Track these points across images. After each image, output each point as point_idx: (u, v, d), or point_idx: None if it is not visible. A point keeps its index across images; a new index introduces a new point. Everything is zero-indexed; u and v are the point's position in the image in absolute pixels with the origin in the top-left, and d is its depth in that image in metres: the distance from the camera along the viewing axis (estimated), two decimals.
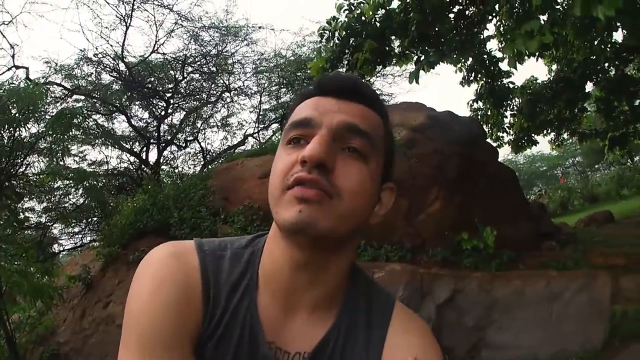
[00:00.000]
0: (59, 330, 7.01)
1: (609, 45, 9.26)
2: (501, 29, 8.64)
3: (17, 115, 6.53)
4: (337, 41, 6.35)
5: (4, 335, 6.06)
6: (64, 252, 12.18)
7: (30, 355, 6.89)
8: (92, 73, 11.82)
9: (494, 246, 5.72)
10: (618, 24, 6.47)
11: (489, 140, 10.03)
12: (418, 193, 6.11)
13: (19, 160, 7.28)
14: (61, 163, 8.52)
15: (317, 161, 0.70)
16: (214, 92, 13.64)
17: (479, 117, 10.71)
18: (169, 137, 13.44)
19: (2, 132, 6.56)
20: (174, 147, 14.11)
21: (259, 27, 12.49)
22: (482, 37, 7.96)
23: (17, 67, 10.43)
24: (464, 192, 6.25)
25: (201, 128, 14.23)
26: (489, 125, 10.98)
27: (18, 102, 6.44)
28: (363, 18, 6.21)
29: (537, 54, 7.33)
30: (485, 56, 9.01)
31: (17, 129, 6.67)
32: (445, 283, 5.17)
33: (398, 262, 5.57)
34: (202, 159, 14.32)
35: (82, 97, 11.61)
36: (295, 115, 0.79)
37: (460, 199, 6.20)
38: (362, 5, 6.22)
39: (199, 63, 12.74)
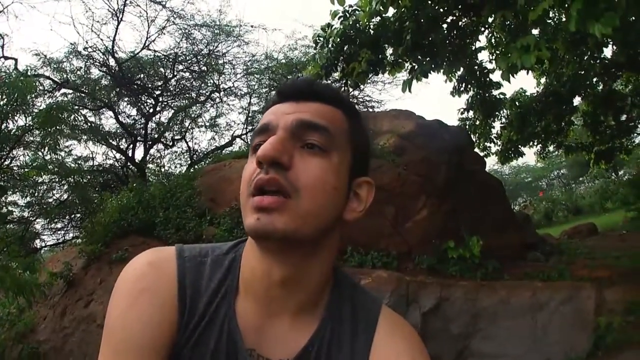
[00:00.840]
0: (39, 328, 6.90)
1: (599, 61, 9.40)
2: (493, 41, 8.72)
3: (4, 106, 6.44)
4: (331, 48, 6.35)
5: None
6: (45, 248, 12.04)
7: (9, 353, 6.77)
8: (81, 67, 11.68)
9: (479, 255, 5.75)
10: (609, 40, 6.57)
11: (476, 150, 10.11)
12: (406, 200, 6.13)
13: (4, 153, 7.18)
14: (48, 157, 8.41)
15: (270, 159, 0.69)
16: (204, 91, 13.57)
17: (467, 126, 10.78)
18: (156, 135, 13.31)
19: None
20: (160, 146, 14.01)
21: (252, 27, 12.46)
22: (473, 48, 8.03)
23: (6, 58, 10.33)
24: (451, 201, 6.29)
25: (189, 127, 14.13)
26: (477, 135, 11.06)
27: (7, 93, 6.35)
28: (358, 25, 6.22)
29: (528, 67, 7.43)
30: (476, 67, 9.08)
31: (4, 121, 6.58)
32: (431, 291, 5.19)
33: (384, 269, 5.57)
34: (189, 159, 14.23)
35: (70, 91, 11.49)
36: (258, 124, 0.79)
37: (447, 207, 6.24)
38: (357, 12, 6.23)
39: (189, 61, 12.66)
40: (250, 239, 0.79)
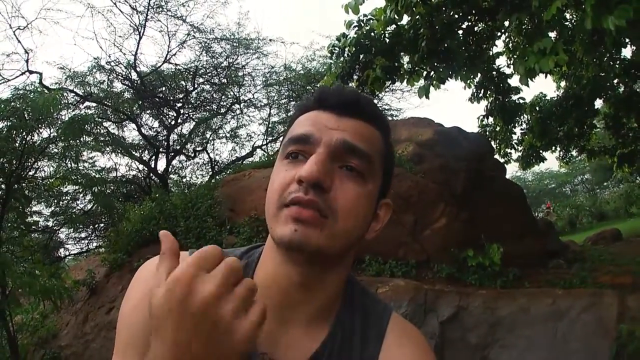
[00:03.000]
0: (61, 334, 7.04)
1: (618, 62, 9.25)
2: (510, 45, 8.66)
3: (30, 120, 6.61)
4: (346, 57, 6.37)
5: (6, 336, 6.08)
6: (69, 257, 12.25)
7: (32, 357, 6.93)
8: (104, 81, 11.92)
9: (500, 263, 5.69)
10: (627, 40, 6.47)
11: (497, 156, 10.01)
12: (424, 209, 6.11)
13: (29, 164, 7.35)
14: (72, 168, 8.58)
15: (313, 182, 0.69)
16: (224, 103, 13.72)
17: (488, 133, 10.70)
18: (178, 147, 13.49)
19: (14, 135, 6.62)
20: (182, 157, 14.18)
21: (270, 40, 12.57)
22: (491, 54, 7.98)
23: (31, 72, 10.51)
24: (470, 208, 6.23)
25: (210, 139, 14.29)
26: (497, 141, 10.96)
27: (32, 109, 6.52)
28: (372, 34, 6.24)
29: (547, 71, 7.36)
30: (494, 72, 9.01)
31: (29, 134, 6.74)
32: (450, 300, 5.15)
33: (402, 278, 5.55)
34: (210, 170, 14.36)
35: (94, 104, 11.71)
36: (294, 129, 0.78)
37: (466, 215, 6.18)
38: (371, 21, 6.25)
39: (209, 74, 12.81)
40: (270, 245, 0.80)
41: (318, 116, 0.77)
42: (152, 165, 12.94)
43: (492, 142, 10.48)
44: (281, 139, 0.84)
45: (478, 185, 6.53)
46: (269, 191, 0.76)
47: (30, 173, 7.70)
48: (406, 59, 6.60)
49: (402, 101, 15.62)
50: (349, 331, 0.82)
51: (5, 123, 6.62)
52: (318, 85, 7.23)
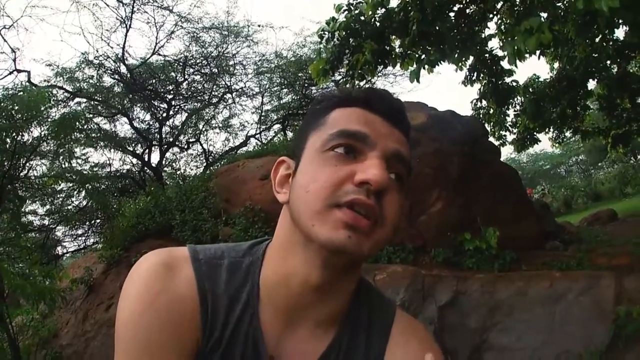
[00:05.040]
0: (62, 333, 7.04)
1: (611, 43, 9.22)
2: (502, 27, 8.61)
3: (19, 119, 6.55)
4: (336, 42, 6.31)
5: (7, 338, 6.06)
6: (67, 254, 12.25)
7: (33, 358, 6.92)
8: (93, 76, 11.88)
9: (496, 246, 5.68)
10: (620, 21, 6.43)
11: (491, 139, 10.01)
12: (420, 194, 6.08)
13: (22, 163, 7.29)
14: (65, 166, 8.53)
15: (381, 188, 0.69)
16: (216, 93, 13.69)
17: (481, 116, 10.68)
18: (171, 139, 13.47)
19: (4, 136, 6.55)
20: (176, 149, 14.20)
21: (259, 26, 12.50)
22: (483, 36, 7.93)
23: (19, 71, 10.49)
24: (466, 192, 6.22)
25: (203, 129, 14.28)
26: (492, 124, 10.96)
27: (21, 107, 6.46)
28: (362, 18, 6.18)
29: (538, 52, 7.32)
30: (487, 55, 8.97)
31: (20, 133, 6.68)
32: (447, 285, 5.14)
33: (400, 264, 5.54)
34: (204, 161, 14.37)
35: (84, 100, 11.65)
36: (344, 123, 0.75)
37: (462, 199, 6.17)
38: (360, 4, 6.18)
39: (200, 64, 12.76)
40: (289, 242, 0.77)
41: (368, 116, 0.76)
42: (146, 159, 12.95)
43: (486, 125, 10.47)
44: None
45: (473, 169, 6.51)
46: (308, 185, 0.72)
47: (23, 173, 7.64)
48: (397, 42, 6.55)
49: (395, 85, 15.45)
50: (355, 331, 0.82)
51: None
52: (309, 70, 7.14)
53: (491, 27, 10.50)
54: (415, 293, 4.99)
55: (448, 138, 6.61)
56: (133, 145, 13.11)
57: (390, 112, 0.78)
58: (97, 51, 11.46)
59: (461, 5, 6.57)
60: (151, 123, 13.28)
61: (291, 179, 0.78)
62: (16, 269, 6.95)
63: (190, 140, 14.15)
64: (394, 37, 6.39)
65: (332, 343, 0.79)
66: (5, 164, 6.75)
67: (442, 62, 6.38)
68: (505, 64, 9.17)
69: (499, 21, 8.49)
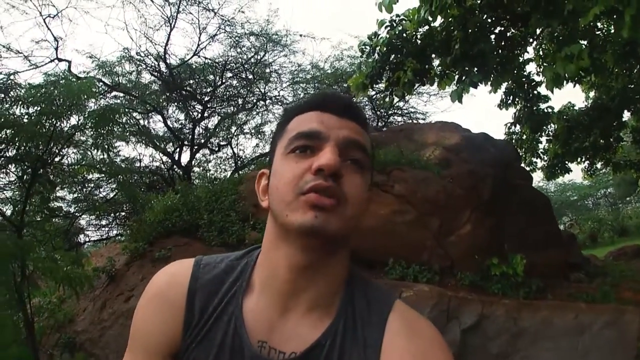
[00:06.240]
0: (78, 319, 7.08)
1: None
2: (540, 52, 8.54)
3: (60, 106, 6.65)
4: (377, 57, 6.32)
5: (23, 319, 6.14)
6: (89, 243, 12.35)
7: (47, 341, 6.97)
8: (133, 71, 12.00)
9: (523, 274, 5.62)
10: None
11: (522, 165, 9.90)
12: (450, 214, 6.04)
13: (56, 150, 7.40)
14: (99, 157, 8.65)
15: (333, 170, 0.77)
16: (250, 99, 13.72)
17: (514, 141, 10.58)
18: (202, 140, 13.51)
19: (44, 121, 6.67)
20: (206, 151, 14.24)
21: (301, 36, 12.53)
22: (521, 60, 7.88)
23: (60, 60, 10.58)
24: (496, 216, 6.16)
25: (235, 134, 14.33)
26: (523, 149, 10.84)
27: (63, 94, 6.56)
28: (404, 35, 6.19)
29: (575, 79, 7.25)
30: (524, 79, 8.90)
31: (59, 120, 6.79)
32: (473, 308, 5.10)
33: (426, 284, 5.51)
34: (233, 164, 14.41)
35: (121, 95, 11.79)
36: (300, 126, 0.84)
37: (492, 222, 6.11)
38: (403, 22, 6.19)
39: (237, 69, 12.80)
40: (274, 236, 0.85)
41: (321, 116, 0.85)
42: (176, 158, 13.03)
43: (518, 150, 10.36)
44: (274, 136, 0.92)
45: (504, 193, 6.45)
46: (278, 183, 0.82)
47: (57, 159, 7.76)
48: (437, 61, 6.53)
49: (429, 105, 15.33)
50: (351, 319, 0.84)
51: (36, 108, 6.67)
52: (346, 84, 7.19)
53: (530, 52, 10.45)
54: (440, 314, 4.96)
55: (481, 160, 6.58)
56: (165, 143, 13.16)
57: (341, 108, 0.86)
58: (139, 47, 11.64)
59: (502, 28, 6.54)
60: (185, 123, 13.37)
61: (267, 186, 0.88)
62: (41, 251, 7.08)
63: (222, 143, 14.21)
64: (434, 55, 6.39)
65: (327, 330, 0.82)
66: (41, 148, 6.86)
67: (481, 83, 6.35)
68: (541, 89, 9.12)
69: (538, 46, 8.44)
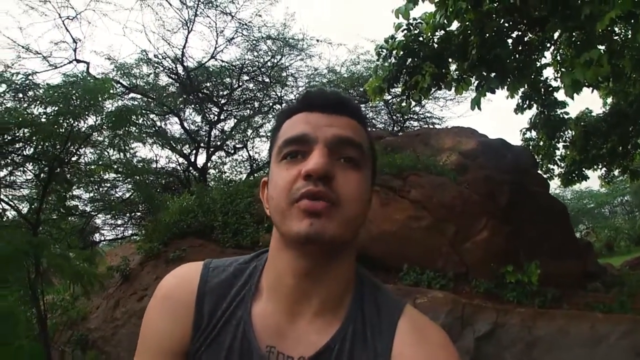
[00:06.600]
0: (91, 317, 7.14)
1: None
2: (558, 57, 8.45)
3: (77, 107, 6.73)
4: (394, 60, 6.30)
5: (36, 315, 6.22)
6: (104, 242, 12.45)
7: (59, 337, 7.05)
8: (150, 73, 12.17)
9: (537, 283, 5.55)
10: None
11: (539, 171, 9.81)
12: (466, 220, 6.00)
13: (73, 150, 7.49)
14: (117, 157, 8.74)
15: (321, 174, 0.74)
16: (266, 102, 13.80)
17: (531, 147, 10.48)
18: (218, 143, 13.62)
19: (61, 121, 6.75)
20: (222, 153, 14.33)
21: (317, 40, 12.57)
22: (538, 65, 7.80)
23: (78, 61, 10.72)
24: (512, 223, 6.09)
25: (251, 137, 14.40)
26: (540, 156, 10.72)
27: (80, 95, 6.64)
28: (421, 38, 6.16)
29: (593, 85, 7.15)
30: (541, 84, 8.81)
31: (76, 120, 6.87)
32: (487, 316, 5.05)
33: (440, 290, 5.47)
34: (249, 167, 14.50)
35: (139, 96, 11.91)
36: (288, 132, 0.82)
37: (508, 229, 6.04)
38: (420, 25, 6.16)
39: (254, 73, 12.88)
40: (277, 243, 0.84)
41: (308, 117, 0.82)
42: (192, 159, 13.13)
43: (535, 157, 10.26)
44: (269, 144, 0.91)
45: (521, 200, 6.38)
46: (273, 192, 0.81)
47: (74, 158, 7.85)
48: (454, 66, 6.49)
49: (445, 109, 15.26)
50: (360, 324, 0.83)
51: (53, 108, 6.75)
52: (363, 88, 7.18)
53: (547, 57, 10.35)
54: (454, 321, 4.92)
55: (497, 166, 6.53)
56: (181, 145, 13.30)
57: (329, 105, 0.83)
58: (157, 50, 11.75)
59: (520, 33, 6.48)
60: (201, 125, 13.51)
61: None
62: (56, 249, 7.17)
63: (237, 145, 14.29)
64: (451, 60, 6.35)
65: (335, 334, 0.81)
66: (58, 147, 6.94)
67: (499, 88, 6.30)
68: (558, 95, 9.03)
69: (555, 51, 8.35)
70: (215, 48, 12.01)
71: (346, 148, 0.80)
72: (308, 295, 0.82)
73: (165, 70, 12.25)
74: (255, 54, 12.53)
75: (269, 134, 14.10)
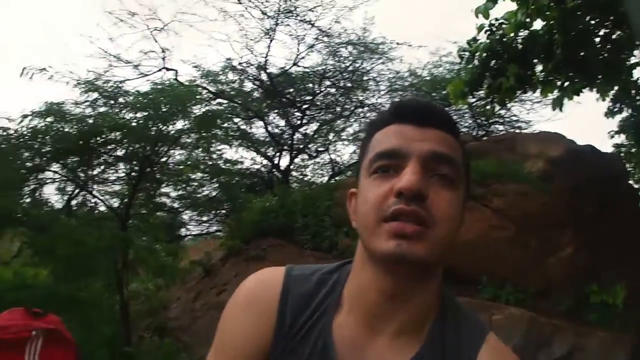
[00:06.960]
0: (171, 307, 7.52)
1: None
2: None
3: (166, 112, 7.18)
4: (477, 63, 6.11)
5: (120, 302, 6.66)
6: (189, 237, 13.08)
7: (139, 322, 7.43)
8: (235, 80, 12.61)
9: (622, 305, 5.15)
10: None
11: (630, 181, 9.07)
12: (550, 232, 5.69)
13: (163, 151, 7.95)
14: (202, 157, 9.17)
15: (414, 192, 0.71)
16: (348, 106, 13.79)
17: (622, 154, 9.74)
18: (301, 146, 13.83)
19: (150, 125, 7.21)
20: (305, 156, 14.50)
21: (397, 44, 12.44)
22: (628, 64, 7.23)
23: (167, 69, 11.21)
24: (598, 238, 5.69)
25: (332, 140, 14.44)
26: (632, 164, 9.93)
27: (168, 101, 7.08)
28: (504, 40, 5.93)
29: None
30: (632, 85, 8.15)
31: (165, 124, 7.31)
32: (566, 337, 4.77)
33: (518, 307, 5.24)
34: (330, 170, 14.60)
35: (225, 101, 12.35)
36: (379, 145, 0.80)
37: (595, 245, 5.64)
38: (503, 26, 5.94)
39: (335, 78, 12.96)
40: (362, 258, 0.82)
41: (400, 130, 0.79)
42: (276, 162, 13.49)
43: (627, 165, 9.51)
44: (358, 157, 0.89)
45: (609, 212, 5.94)
46: (362, 207, 0.79)
47: (163, 159, 8.33)
48: (539, 67, 6.19)
49: (532, 113, 14.43)
50: (440, 348, 0.80)
51: (143, 114, 7.22)
52: (445, 91, 7.02)
53: (636, 55, 9.53)
54: (530, 341, 4.69)
55: (586, 175, 6.14)
56: (265, 147, 13.66)
57: (421, 117, 0.79)
58: (241, 58, 12.12)
59: (607, 30, 6.04)
60: (285, 129, 13.73)
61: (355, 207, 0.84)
62: (143, 241, 7.67)
63: (320, 149, 14.39)
64: (536, 60, 6.06)
65: (415, 356, 0.78)
66: (148, 149, 7.40)
67: (586, 89, 5.92)
68: None
69: None
70: (297, 55, 12.19)
71: (440, 164, 0.76)
72: (391, 315, 0.79)
73: (250, 77, 12.62)
74: (337, 59, 12.58)
75: (350, 138, 14.19)
